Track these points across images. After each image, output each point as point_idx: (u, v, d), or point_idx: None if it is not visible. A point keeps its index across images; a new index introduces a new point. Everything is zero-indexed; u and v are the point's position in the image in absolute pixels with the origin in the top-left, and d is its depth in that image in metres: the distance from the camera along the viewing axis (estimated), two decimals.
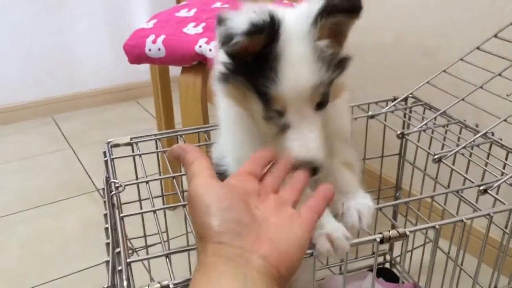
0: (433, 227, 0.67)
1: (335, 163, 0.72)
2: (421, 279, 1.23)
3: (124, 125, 2.40)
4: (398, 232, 0.65)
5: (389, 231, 0.65)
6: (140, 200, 0.98)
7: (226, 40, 0.57)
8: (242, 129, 0.72)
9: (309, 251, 0.62)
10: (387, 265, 1.35)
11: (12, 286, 1.39)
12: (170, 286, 0.56)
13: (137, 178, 0.93)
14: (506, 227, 0.84)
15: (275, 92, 0.60)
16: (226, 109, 0.73)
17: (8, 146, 2.24)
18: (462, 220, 0.68)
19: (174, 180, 0.85)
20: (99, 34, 2.58)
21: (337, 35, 0.63)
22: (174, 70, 1.77)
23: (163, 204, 0.96)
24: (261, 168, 0.61)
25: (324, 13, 0.60)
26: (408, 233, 0.65)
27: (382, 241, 0.65)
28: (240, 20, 0.57)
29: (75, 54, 2.55)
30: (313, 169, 0.63)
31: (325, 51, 0.62)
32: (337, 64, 0.64)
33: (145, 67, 2.63)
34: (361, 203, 0.68)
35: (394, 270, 1.33)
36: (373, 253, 1.33)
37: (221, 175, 0.72)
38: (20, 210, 1.73)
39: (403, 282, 1.23)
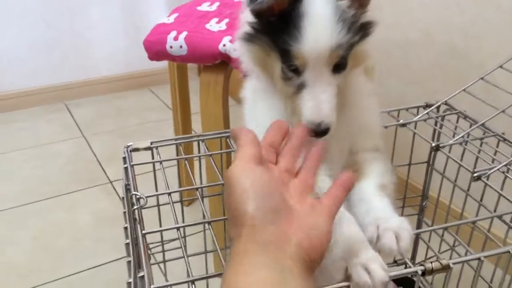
0: (478, 258, 0.63)
1: (370, 188, 0.70)
2: None
3: (137, 114, 2.35)
4: (441, 264, 0.61)
5: (431, 262, 0.61)
6: (158, 205, 0.94)
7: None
8: (263, 98, 0.77)
9: (345, 284, 0.58)
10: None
11: (22, 280, 1.37)
12: None
13: (156, 186, 0.89)
14: None
15: (296, 49, 0.63)
16: (250, 84, 0.80)
17: (19, 133, 2.21)
18: (509, 251, 0.64)
19: (198, 191, 0.81)
20: (113, 20, 2.52)
21: None
22: None
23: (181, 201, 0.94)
24: (280, 138, 0.63)
25: None
26: (451, 265, 0.61)
27: (424, 274, 0.61)
28: None
29: (88, 39, 2.50)
30: (323, 131, 0.66)
31: (347, 12, 0.64)
32: (359, 27, 0.67)
33: None
34: (398, 226, 0.64)
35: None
36: (395, 261, 1.29)
37: None
38: (31, 202, 1.71)
39: None
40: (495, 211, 0.89)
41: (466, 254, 1.02)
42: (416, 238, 1.18)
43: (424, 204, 1.16)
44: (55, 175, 1.87)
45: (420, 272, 0.60)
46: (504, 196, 0.79)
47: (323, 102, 0.66)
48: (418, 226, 1.20)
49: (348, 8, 0.65)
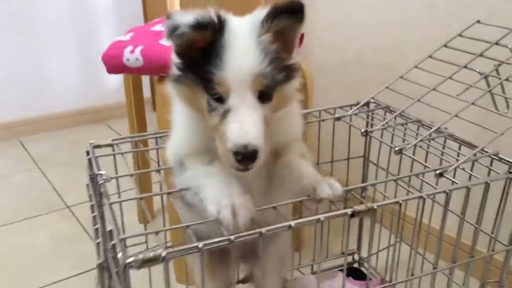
0: (397, 202, 0.75)
1: (294, 157, 0.78)
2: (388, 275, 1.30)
3: None
4: (366, 206, 0.72)
5: (358, 205, 0.72)
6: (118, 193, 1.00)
7: (172, 30, 0.66)
8: (190, 127, 0.79)
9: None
10: (355, 265, 1.41)
11: None
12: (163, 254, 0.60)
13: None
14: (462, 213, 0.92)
15: (219, 76, 0.65)
16: (179, 112, 0.81)
17: None
18: (422, 197, 0.76)
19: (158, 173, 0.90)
20: (69, 56, 2.61)
21: (285, 42, 0.70)
22: (146, 91, 1.83)
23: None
24: None
25: (270, 15, 0.68)
26: (375, 207, 0.73)
27: (353, 215, 0.72)
28: (187, 16, 0.66)
29: (44, 76, 2.56)
30: (250, 155, 0.64)
31: (269, 46, 0.68)
32: (283, 67, 0.70)
33: (115, 89, 2.71)
34: (329, 180, 0.74)
35: (362, 268, 1.39)
36: (343, 253, 1.40)
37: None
38: None
39: (370, 279, 1.31)
40: None
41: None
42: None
43: (364, 194, 1.28)
44: (14, 203, 1.89)
45: (349, 213, 0.71)
46: (418, 161, 0.93)
47: (249, 124, 0.65)
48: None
49: (270, 43, 0.68)
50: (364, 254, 1.40)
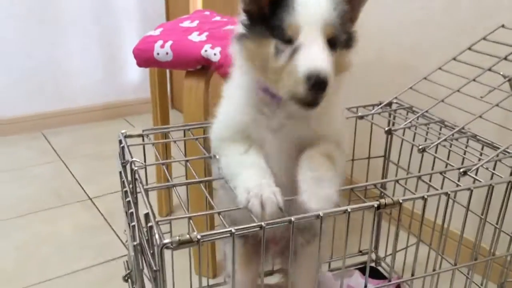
0: (422, 197, 0.77)
1: (312, 151, 0.78)
2: (405, 275, 1.32)
3: (113, 140, 2.44)
4: (392, 200, 0.75)
5: (384, 198, 0.74)
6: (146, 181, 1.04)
7: None
8: (243, 94, 0.81)
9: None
10: (372, 264, 1.43)
11: (9, 284, 1.42)
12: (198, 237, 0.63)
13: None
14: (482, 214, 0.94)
15: (291, 19, 0.68)
16: (236, 77, 0.84)
17: None
18: (447, 193, 0.78)
19: (188, 163, 0.93)
20: (90, 51, 2.66)
21: (352, 8, 0.75)
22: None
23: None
24: None
25: None
26: (401, 201, 0.75)
27: (378, 207, 0.74)
28: None
29: (66, 70, 2.62)
30: (322, 82, 0.65)
31: (340, 4, 0.71)
32: (347, 31, 0.73)
33: (134, 86, 2.76)
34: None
35: (380, 268, 1.41)
36: (360, 251, 1.42)
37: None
38: (14, 216, 1.76)
39: (389, 280, 1.32)
40: None
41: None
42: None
43: (382, 194, 1.30)
44: (36, 194, 1.93)
45: (376, 206, 0.74)
46: (440, 159, 0.94)
47: (320, 56, 0.67)
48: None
49: (341, 2, 0.72)
50: (381, 253, 1.42)
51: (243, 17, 0.76)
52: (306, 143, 0.81)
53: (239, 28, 0.77)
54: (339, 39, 0.72)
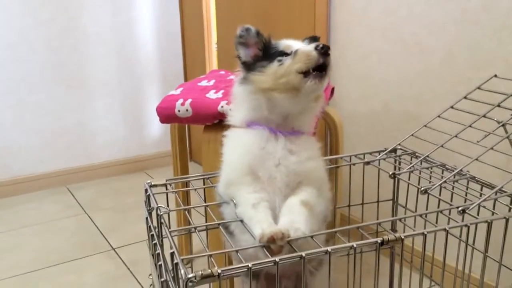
0: (422, 233, 0.84)
1: (291, 200, 0.91)
2: None
3: (134, 193, 2.56)
4: (395, 236, 0.82)
5: (388, 235, 0.82)
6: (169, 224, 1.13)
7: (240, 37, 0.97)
8: (246, 136, 0.97)
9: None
10: None
11: None
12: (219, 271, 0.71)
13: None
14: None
15: (285, 42, 0.95)
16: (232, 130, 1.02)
17: (27, 212, 2.38)
18: (445, 229, 0.85)
19: (208, 208, 1.01)
20: (115, 111, 2.83)
21: None
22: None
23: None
24: None
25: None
26: (403, 237, 0.82)
27: (382, 243, 0.81)
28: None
29: (91, 129, 2.78)
30: (327, 49, 0.89)
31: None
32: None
33: (153, 141, 2.90)
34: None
35: None
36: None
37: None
38: (41, 268, 1.84)
39: None
40: None
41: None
42: None
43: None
44: (62, 246, 2.02)
45: (379, 242, 0.81)
46: (443, 200, 1.01)
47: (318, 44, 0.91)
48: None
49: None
50: None
51: (242, 66, 0.98)
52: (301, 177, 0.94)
53: (240, 74, 0.98)
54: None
